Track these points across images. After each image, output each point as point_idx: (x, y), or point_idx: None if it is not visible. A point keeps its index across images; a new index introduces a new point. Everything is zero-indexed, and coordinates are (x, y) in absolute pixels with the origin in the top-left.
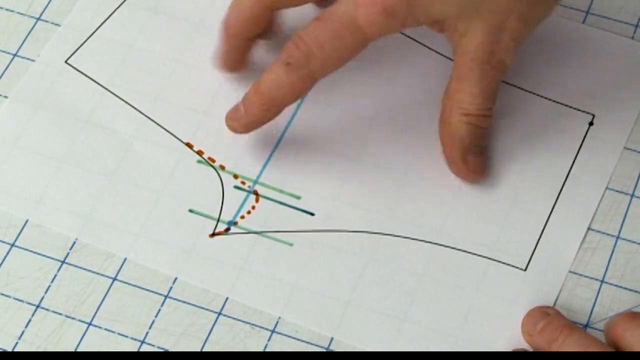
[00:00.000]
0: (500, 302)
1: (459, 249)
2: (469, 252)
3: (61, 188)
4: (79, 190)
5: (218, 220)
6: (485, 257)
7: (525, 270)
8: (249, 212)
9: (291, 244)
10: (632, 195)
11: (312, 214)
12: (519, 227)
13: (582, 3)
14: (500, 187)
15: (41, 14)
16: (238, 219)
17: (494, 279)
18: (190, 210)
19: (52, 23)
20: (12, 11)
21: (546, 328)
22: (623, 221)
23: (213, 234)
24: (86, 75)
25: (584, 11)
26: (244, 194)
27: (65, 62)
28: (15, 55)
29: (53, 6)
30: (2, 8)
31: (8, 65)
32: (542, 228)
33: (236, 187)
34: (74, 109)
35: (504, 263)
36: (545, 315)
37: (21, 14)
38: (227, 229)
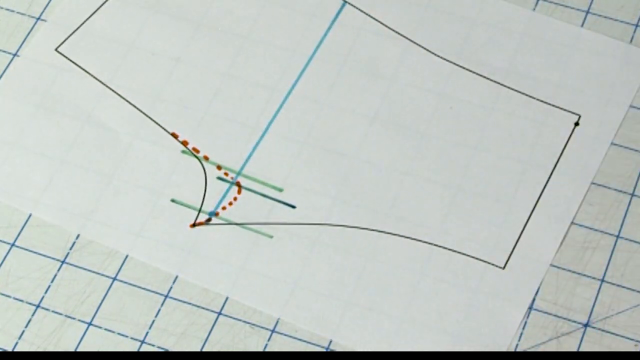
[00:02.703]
0: (476, 299)
1: (435, 245)
2: (446, 248)
3: (60, 184)
4: (72, 180)
5: (199, 211)
6: (464, 254)
7: (504, 268)
8: (230, 204)
9: (271, 236)
10: (632, 195)
11: (293, 207)
12: (500, 225)
13: (582, 3)
14: (483, 184)
15: (41, 14)
16: (219, 210)
17: (471, 276)
18: (173, 200)
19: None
20: (12, 11)
21: None
22: (623, 221)
23: (194, 224)
24: (85, 70)
25: (584, 11)
26: (227, 185)
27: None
28: (15, 55)
29: (53, 6)
30: (2, 8)
31: (8, 65)
32: (523, 225)
33: (219, 178)
34: (73, 105)
35: (483, 261)
36: None
37: (21, 14)
38: (208, 220)
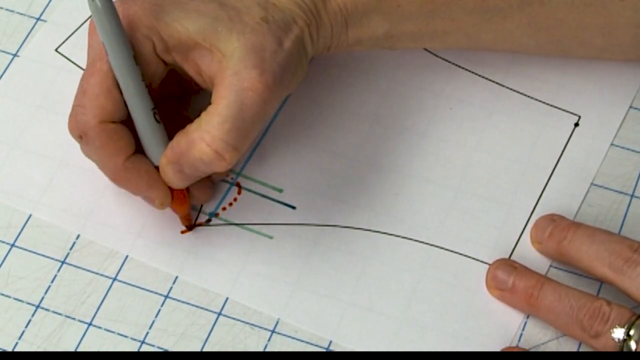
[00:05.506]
0: (476, 299)
1: (435, 245)
2: (446, 249)
3: (60, 184)
4: (79, 185)
5: (199, 211)
6: (464, 254)
7: None
8: (230, 204)
9: (271, 237)
10: (632, 196)
11: (293, 208)
12: (500, 225)
13: None
14: (483, 184)
15: (41, 14)
16: (219, 211)
17: (471, 276)
18: None
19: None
20: (12, 11)
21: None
22: (623, 222)
23: (194, 225)
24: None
25: None
26: (227, 185)
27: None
28: (15, 55)
29: (53, 6)
30: (2, 8)
31: (8, 65)
32: (523, 226)
33: None
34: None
35: (483, 261)
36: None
37: (21, 14)
38: (208, 220)
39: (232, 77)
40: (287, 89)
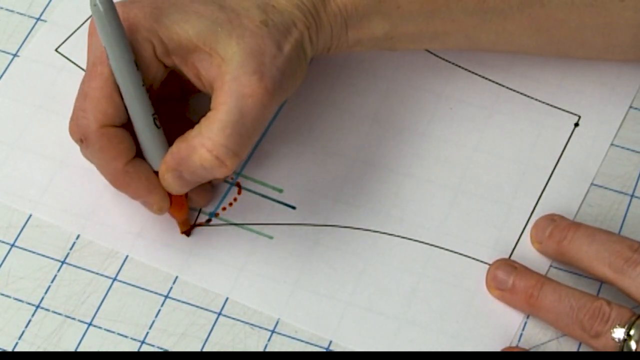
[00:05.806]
0: (476, 299)
1: (435, 245)
2: (446, 249)
3: (60, 184)
4: (79, 185)
5: (199, 212)
6: (464, 254)
7: None
8: (230, 204)
9: (271, 237)
10: (632, 196)
11: (293, 208)
12: (500, 226)
13: None
14: (483, 185)
15: (41, 14)
16: (219, 211)
17: (471, 276)
18: None
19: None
20: (12, 11)
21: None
22: (623, 221)
23: (194, 225)
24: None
25: None
26: (227, 185)
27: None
28: (15, 55)
29: (53, 6)
30: (2, 8)
31: (8, 65)
32: (523, 226)
33: None
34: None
35: (483, 262)
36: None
37: (21, 14)
38: (209, 220)
39: (232, 82)
40: (286, 93)
